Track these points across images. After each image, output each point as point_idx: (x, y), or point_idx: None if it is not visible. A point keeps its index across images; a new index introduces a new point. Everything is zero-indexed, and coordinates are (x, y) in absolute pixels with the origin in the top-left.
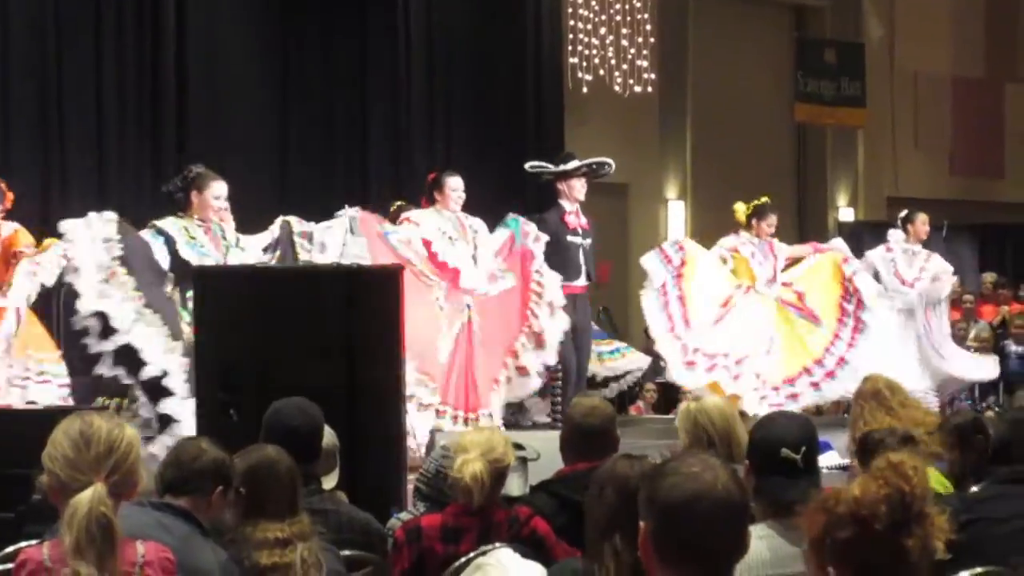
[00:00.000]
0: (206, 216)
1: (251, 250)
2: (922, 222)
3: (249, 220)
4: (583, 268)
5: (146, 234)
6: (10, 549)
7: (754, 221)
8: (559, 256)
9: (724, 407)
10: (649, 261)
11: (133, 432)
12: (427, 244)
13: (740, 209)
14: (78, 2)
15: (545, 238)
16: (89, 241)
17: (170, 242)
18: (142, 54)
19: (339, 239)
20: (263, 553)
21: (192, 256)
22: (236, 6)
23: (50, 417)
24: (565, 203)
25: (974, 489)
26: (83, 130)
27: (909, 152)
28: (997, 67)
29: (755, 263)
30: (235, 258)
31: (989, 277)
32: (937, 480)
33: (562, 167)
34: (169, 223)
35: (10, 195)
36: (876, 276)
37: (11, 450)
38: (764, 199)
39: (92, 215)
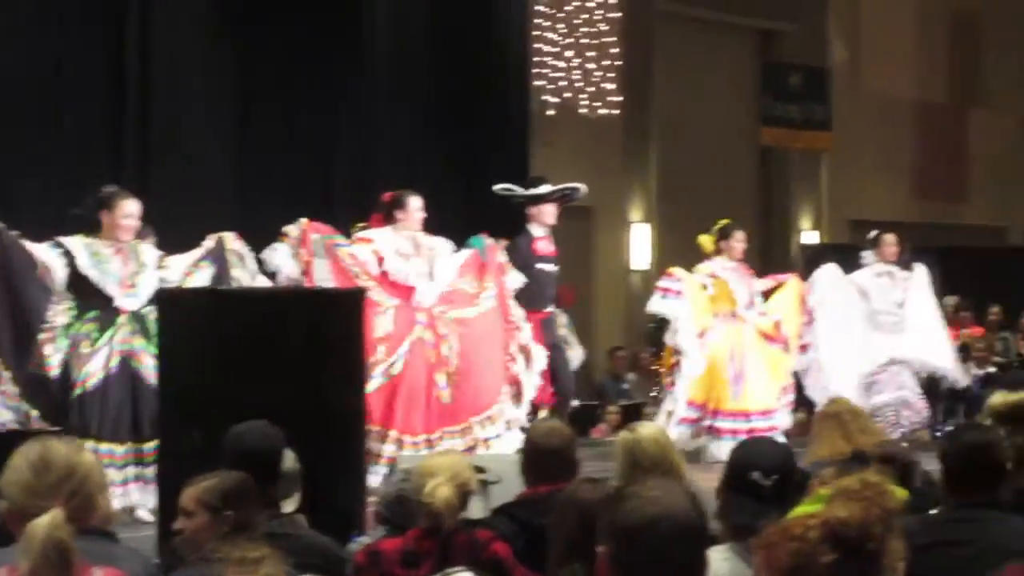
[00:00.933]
0: (117, 236)
1: (174, 268)
2: (888, 244)
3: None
4: (550, 295)
5: (43, 248)
6: None
7: (722, 244)
8: (528, 283)
9: (659, 436)
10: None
11: (93, 457)
12: (381, 260)
13: (706, 240)
14: (39, 21)
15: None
16: None
17: (69, 257)
18: (103, 74)
19: (288, 258)
20: (235, 571)
21: (94, 275)
22: (198, 25)
23: (9, 441)
24: (535, 228)
25: (933, 512)
26: (39, 148)
27: (873, 176)
28: (960, 92)
29: (734, 286)
30: (150, 279)
31: (951, 301)
32: None
33: (534, 191)
34: (75, 240)
35: None
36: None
37: None
38: (725, 221)
39: None
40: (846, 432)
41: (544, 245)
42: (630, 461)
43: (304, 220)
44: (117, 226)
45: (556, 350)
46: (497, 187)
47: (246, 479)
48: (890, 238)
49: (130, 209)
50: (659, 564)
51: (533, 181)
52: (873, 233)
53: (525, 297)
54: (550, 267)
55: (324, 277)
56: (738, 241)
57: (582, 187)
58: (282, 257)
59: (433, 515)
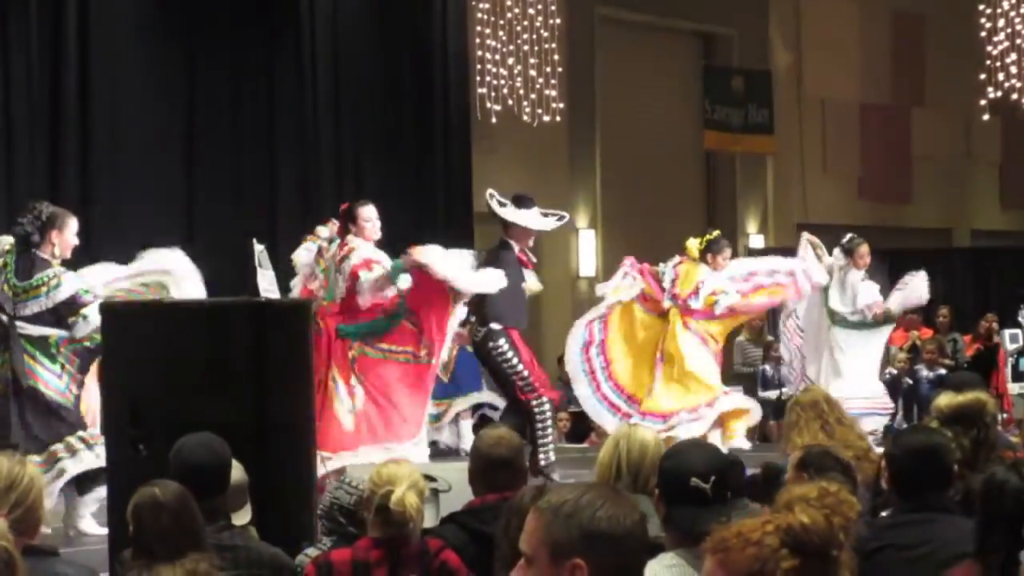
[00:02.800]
0: (66, 255)
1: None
2: (861, 255)
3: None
4: (525, 312)
5: None
6: None
7: (709, 256)
8: (509, 298)
9: (649, 442)
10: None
11: (35, 470)
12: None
13: (692, 245)
14: None
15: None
16: None
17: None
18: (43, 97)
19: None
20: None
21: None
22: (140, 49)
23: None
24: (515, 242)
25: (883, 515)
26: None
27: (818, 178)
28: (903, 93)
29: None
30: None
31: None
32: None
33: (523, 216)
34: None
35: None
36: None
37: None
38: (716, 232)
39: None
40: (824, 422)
41: (523, 258)
42: (608, 457)
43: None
44: (69, 245)
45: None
46: (489, 192)
47: (156, 501)
48: (865, 248)
49: (76, 227)
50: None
51: (523, 201)
52: (848, 237)
53: (507, 312)
54: (524, 285)
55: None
56: (724, 258)
57: (565, 215)
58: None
59: (399, 523)
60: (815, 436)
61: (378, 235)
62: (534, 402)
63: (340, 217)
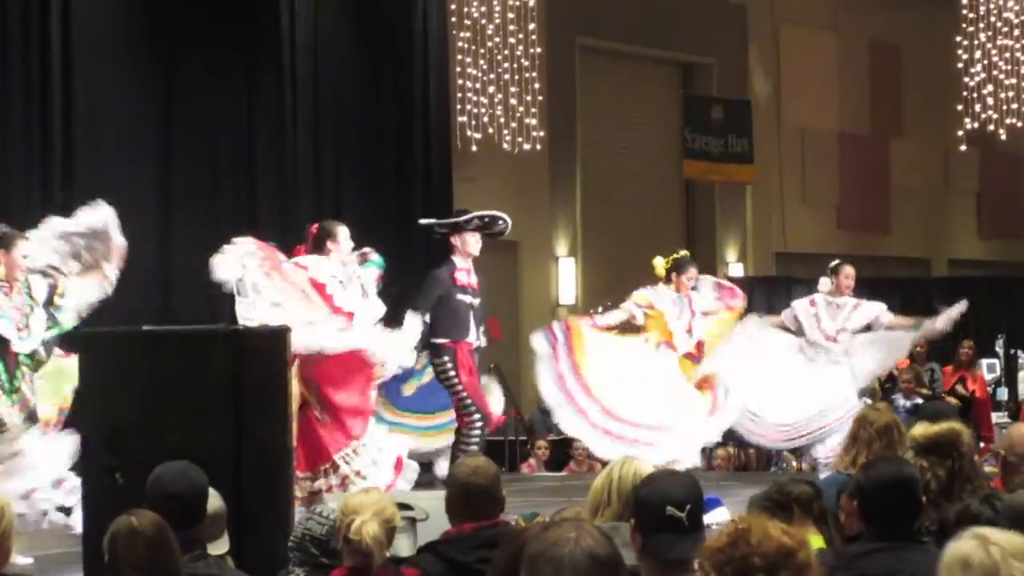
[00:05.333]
0: (13, 277)
1: (70, 300)
2: (846, 276)
3: (130, 274)
4: (471, 327)
5: None
6: None
7: (674, 275)
8: (448, 314)
9: (643, 473)
10: (537, 340)
11: (4, 500)
12: (320, 287)
13: (659, 264)
14: None
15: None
16: None
17: None
18: (27, 116)
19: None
20: None
21: None
22: (122, 61)
23: None
24: (458, 259)
25: (852, 545)
26: None
27: (797, 208)
28: (882, 124)
29: (671, 318)
30: (40, 318)
31: None
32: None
33: (452, 220)
34: None
35: None
36: (800, 329)
37: None
38: (683, 252)
39: None
40: (895, 454)
41: (464, 276)
42: (602, 485)
43: (251, 239)
44: (16, 266)
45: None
46: (421, 221)
47: (130, 531)
48: (847, 270)
49: (28, 249)
50: None
51: (457, 214)
52: (835, 263)
53: (447, 327)
54: (470, 299)
55: (245, 315)
56: (689, 278)
57: (505, 217)
58: (229, 267)
59: (361, 553)
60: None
61: (349, 255)
62: (466, 422)
63: (311, 236)
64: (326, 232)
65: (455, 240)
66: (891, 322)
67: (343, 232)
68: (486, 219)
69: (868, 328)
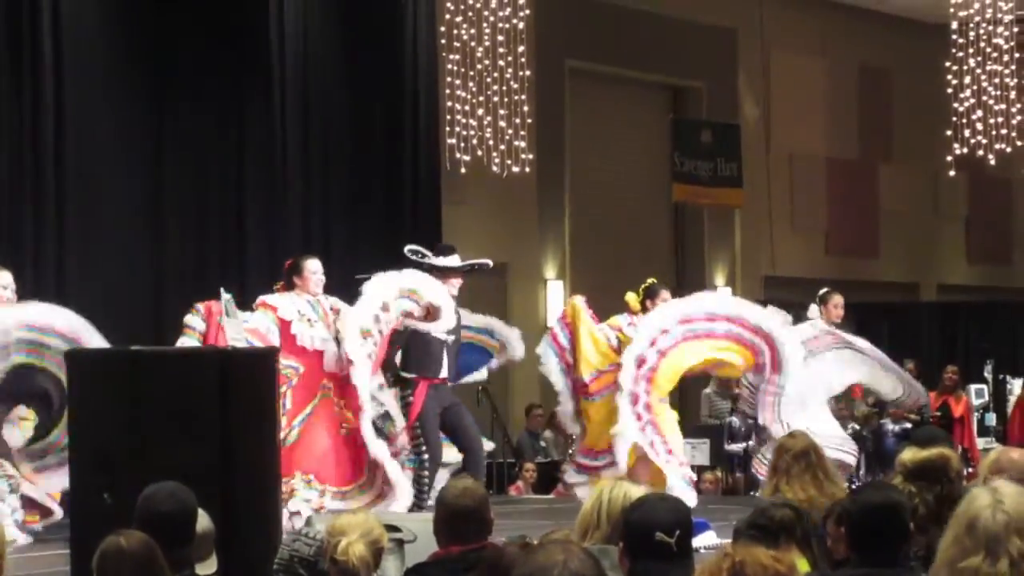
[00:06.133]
0: None
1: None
2: (835, 304)
3: (120, 294)
4: (443, 364)
5: None
6: None
7: (648, 303)
8: (420, 348)
9: (633, 496)
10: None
11: None
12: (286, 325)
13: (632, 299)
14: None
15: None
16: None
17: None
18: (17, 137)
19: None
20: None
21: None
22: (111, 88)
23: None
24: None
25: (840, 571)
26: None
27: (785, 232)
28: (870, 148)
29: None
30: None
31: None
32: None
33: (443, 261)
34: None
35: None
36: None
37: None
38: (650, 280)
39: None
40: (814, 474)
41: None
42: (592, 507)
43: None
44: None
45: (452, 410)
46: (408, 249)
47: (119, 551)
48: (836, 299)
49: (5, 280)
50: None
51: (443, 249)
52: (824, 291)
53: (418, 363)
54: (445, 336)
55: (235, 336)
56: (663, 300)
57: (489, 263)
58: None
59: (348, 573)
60: (805, 488)
61: (320, 289)
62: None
63: (284, 272)
64: (295, 268)
65: (436, 277)
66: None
67: (310, 266)
68: (474, 266)
69: None
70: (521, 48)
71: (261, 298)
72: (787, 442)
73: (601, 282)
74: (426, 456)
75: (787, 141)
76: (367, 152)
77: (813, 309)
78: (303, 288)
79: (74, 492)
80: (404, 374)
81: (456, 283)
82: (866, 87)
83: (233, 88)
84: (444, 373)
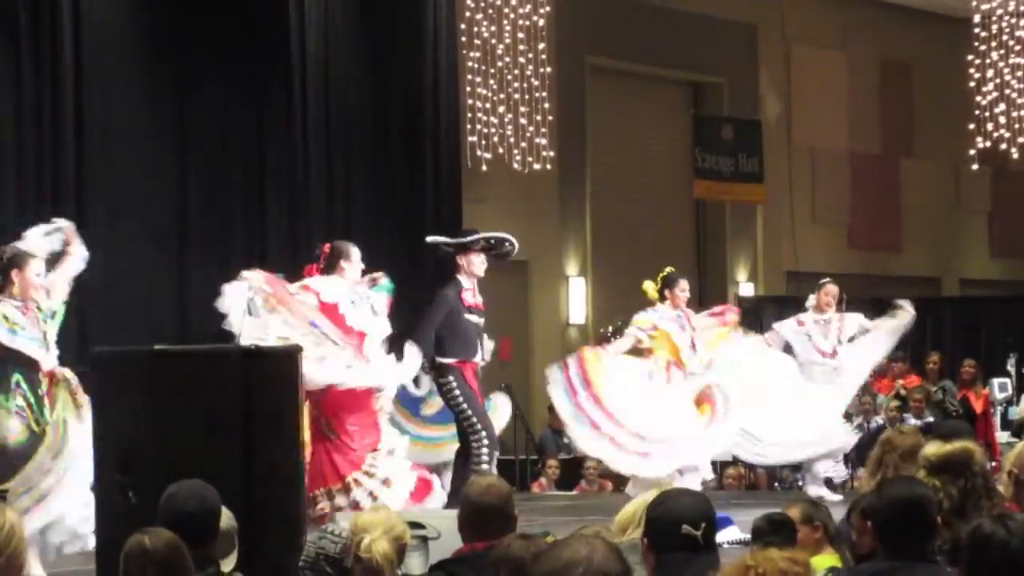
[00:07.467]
0: (27, 295)
1: (58, 293)
2: (825, 293)
3: (145, 292)
4: (478, 347)
5: None
6: None
7: (667, 292)
8: (456, 333)
9: None
10: (552, 373)
11: (16, 517)
12: (332, 308)
13: (649, 288)
14: None
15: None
16: None
17: None
18: (40, 130)
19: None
20: None
21: (11, 340)
22: (133, 85)
23: None
24: (463, 279)
25: (866, 564)
26: None
27: (807, 227)
28: (892, 143)
29: (676, 334)
30: (52, 329)
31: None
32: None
33: (460, 240)
34: None
35: None
36: (788, 349)
37: None
38: (668, 269)
39: None
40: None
41: (470, 296)
42: (634, 508)
43: (257, 271)
44: (30, 285)
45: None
46: (429, 239)
47: (144, 550)
48: (828, 288)
49: (40, 267)
50: None
51: (464, 233)
52: (821, 281)
53: (455, 347)
54: (476, 319)
55: (258, 336)
56: (682, 290)
57: (511, 239)
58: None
59: (372, 571)
60: None
61: (360, 276)
62: (473, 444)
63: (323, 256)
64: (339, 252)
65: (461, 260)
66: (871, 324)
67: (355, 253)
68: (492, 240)
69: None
70: (542, 45)
71: (303, 282)
72: (896, 437)
73: (622, 278)
74: (484, 433)
75: (809, 136)
76: (388, 150)
77: (811, 299)
78: (349, 272)
79: (99, 491)
80: (442, 360)
81: (480, 263)
82: (888, 81)
83: (254, 87)
84: (479, 358)
